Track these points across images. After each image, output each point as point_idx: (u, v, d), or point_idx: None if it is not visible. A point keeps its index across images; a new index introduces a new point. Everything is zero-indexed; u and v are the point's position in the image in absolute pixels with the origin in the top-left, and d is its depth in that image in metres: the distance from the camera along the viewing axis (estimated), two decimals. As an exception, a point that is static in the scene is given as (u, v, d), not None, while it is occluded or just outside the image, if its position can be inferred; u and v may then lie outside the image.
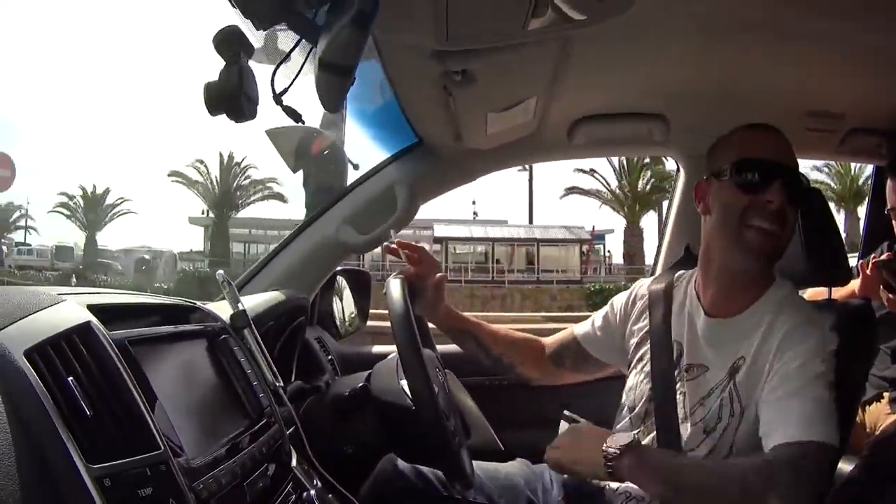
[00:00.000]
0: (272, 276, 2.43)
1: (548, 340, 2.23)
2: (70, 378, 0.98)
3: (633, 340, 2.02)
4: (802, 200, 1.75)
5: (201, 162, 43.01)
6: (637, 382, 1.91)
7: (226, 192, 42.24)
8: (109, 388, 1.05)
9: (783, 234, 1.72)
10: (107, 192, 46.46)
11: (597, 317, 2.17)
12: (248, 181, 43.57)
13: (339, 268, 2.75)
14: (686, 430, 1.75)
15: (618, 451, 1.58)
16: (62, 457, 0.91)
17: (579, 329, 2.19)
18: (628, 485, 1.74)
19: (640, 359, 1.95)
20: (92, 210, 44.96)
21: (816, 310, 1.74)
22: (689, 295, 1.91)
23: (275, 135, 2.65)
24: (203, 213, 44.40)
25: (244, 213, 43.98)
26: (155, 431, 1.06)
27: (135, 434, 1.04)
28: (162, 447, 1.05)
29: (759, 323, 1.73)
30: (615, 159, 36.86)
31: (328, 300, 2.84)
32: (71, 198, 45.73)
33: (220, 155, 43.11)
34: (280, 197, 43.16)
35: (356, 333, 3.07)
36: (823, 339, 1.66)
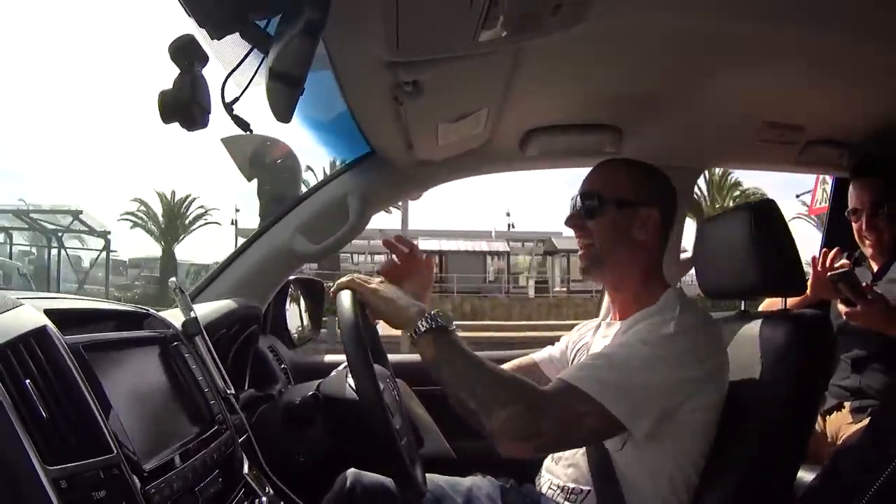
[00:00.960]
0: (226, 285, 2.42)
1: (508, 366, 2.30)
2: (27, 381, 0.99)
3: (574, 357, 2.17)
4: (590, 209, 1.94)
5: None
6: None
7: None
8: (64, 391, 1.06)
9: (595, 247, 1.95)
10: (189, 199, 43.45)
11: (557, 344, 2.32)
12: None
13: (292, 277, 2.74)
14: None
15: (424, 327, 1.66)
16: (21, 458, 0.92)
17: (538, 356, 2.32)
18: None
19: None
20: (171, 219, 41.75)
21: (678, 314, 1.78)
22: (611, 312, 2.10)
23: (230, 143, 2.65)
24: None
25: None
26: (108, 435, 1.08)
27: (89, 437, 1.05)
28: (115, 450, 1.07)
29: (631, 324, 1.85)
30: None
31: (281, 309, 2.83)
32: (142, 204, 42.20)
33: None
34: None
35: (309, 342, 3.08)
36: (669, 333, 1.73)
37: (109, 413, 1.13)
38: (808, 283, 2.80)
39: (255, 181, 2.87)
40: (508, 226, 46.60)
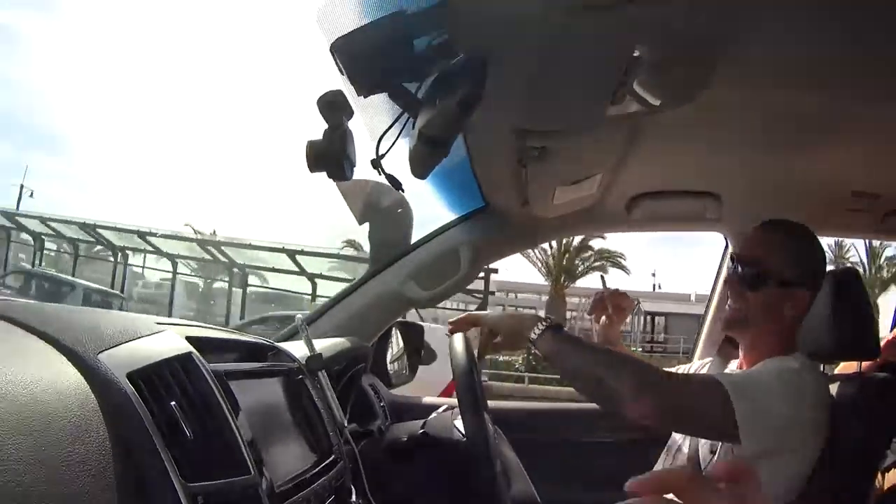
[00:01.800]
0: (335, 321, 2.53)
1: None
2: (173, 402, 1.06)
3: None
4: (749, 278, 1.98)
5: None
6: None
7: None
8: (208, 414, 1.14)
9: (742, 307, 1.99)
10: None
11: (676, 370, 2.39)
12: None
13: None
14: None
15: (542, 326, 1.83)
16: (160, 474, 0.98)
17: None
18: None
19: None
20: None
21: (814, 371, 1.86)
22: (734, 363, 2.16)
23: (346, 189, 2.75)
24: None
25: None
26: (247, 457, 1.15)
27: (230, 458, 1.13)
28: (253, 472, 1.14)
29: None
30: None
31: (383, 349, 2.91)
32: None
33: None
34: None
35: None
36: (796, 368, 1.81)
37: (248, 436, 1.21)
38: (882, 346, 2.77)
39: (366, 224, 2.96)
40: (654, 287, 45.84)
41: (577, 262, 33.49)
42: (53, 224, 23.29)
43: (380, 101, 1.46)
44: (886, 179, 2.51)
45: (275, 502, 1.21)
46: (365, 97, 1.38)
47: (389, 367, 2.95)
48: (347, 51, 1.29)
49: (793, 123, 2.03)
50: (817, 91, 1.80)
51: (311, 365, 1.71)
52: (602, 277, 2.77)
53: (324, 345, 2.06)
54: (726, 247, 3.09)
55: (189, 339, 1.26)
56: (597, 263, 33.35)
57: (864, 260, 33.38)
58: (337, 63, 1.31)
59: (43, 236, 24.13)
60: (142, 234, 21.59)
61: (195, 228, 26.71)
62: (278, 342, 1.75)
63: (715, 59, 1.50)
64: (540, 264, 32.86)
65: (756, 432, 1.68)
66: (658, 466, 2.06)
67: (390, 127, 1.43)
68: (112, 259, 24.22)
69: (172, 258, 22.26)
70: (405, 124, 1.43)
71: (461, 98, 1.26)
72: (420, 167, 1.43)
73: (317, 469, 1.47)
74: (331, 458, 1.57)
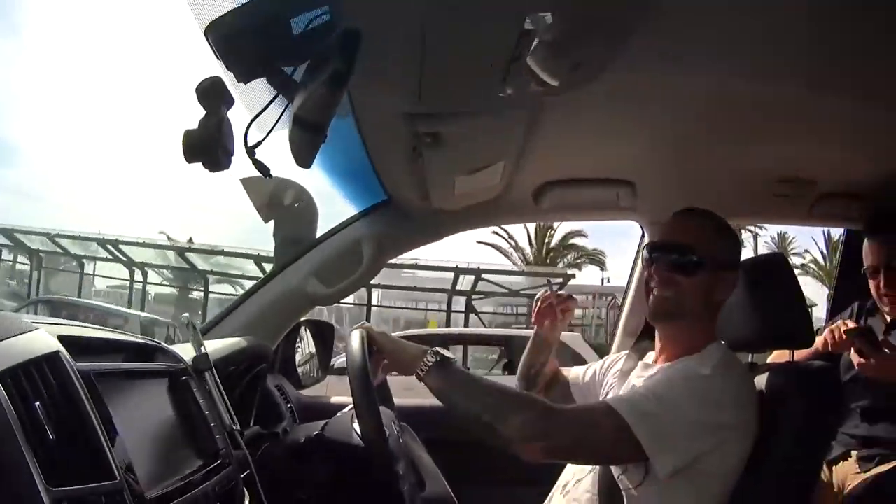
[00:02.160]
0: (237, 323, 2.46)
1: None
2: (37, 403, 1.01)
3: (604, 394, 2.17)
4: (683, 264, 1.89)
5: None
6: None
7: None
8: (73, 416, 1.08)
9: (673, 296, 1.90)
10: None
11: (588, 368, 2.40)
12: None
13: (303, 318, 2.77)
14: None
15: (431, 362, 1.73)
16: (25, 477, 0.93)
17: (572, 372, 2.45)
18: None
19: None
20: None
21: (713, 360, 1.80)
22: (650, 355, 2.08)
23: (249, 183, 2.69)
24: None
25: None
26: (112, 462, 1.09)
27: (94, 462, 1.07)
28: (118, 477, 1.09)
29: (671, 367, 1.87)
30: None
31: (290, 349, 2.86)
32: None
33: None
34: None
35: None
36: (706, 374, 1.75)
37: (116, 440, 1.15)
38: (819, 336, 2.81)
39: (271, 222, 2.91)
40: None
41: (557, 260, 33.87)
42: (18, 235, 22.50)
43: (265, 87, 1.40)
44: (814, 165, 2.53)
45: (146, 509, 1.16)
46: (245, 83, 1.32)
47: (299, 367, 2.90)
48: (222, 34, 1.24)
49: (710, 109, 2.02)
50: (737, 76, 1.79)
51: (197, 365, 1.65)
52: (549, 281, 2.76)
53: (217, 345, 2.01)
54: (642, 236, 3.08)
55: (63, 338, 1.21)
56: (577, 261, 33.71)
57: (824, 250, 34.33)
58: (212, 48, 1.25)
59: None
60: (101, 243, 21.01)
61: (169, 236, 26.14)
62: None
63: (620, 38, 1.47)
64: (520, 263, 33.23)
65: (666, 451, 1.66)
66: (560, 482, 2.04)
67: (260, 113, 1.37)
68: (79, 270, 23.61)
69: (134, 266, 21.74)
70: (284, 110, 1.37)
71: (330, 75, 1.22)
72: (301, 155, 1.38)
73: (199, 474, 1.41)
74: (217, 463, 1.51)
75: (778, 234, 36.96)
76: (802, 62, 1.70)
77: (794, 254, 37.60)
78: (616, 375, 2.17)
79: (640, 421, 1.64)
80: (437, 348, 1.79)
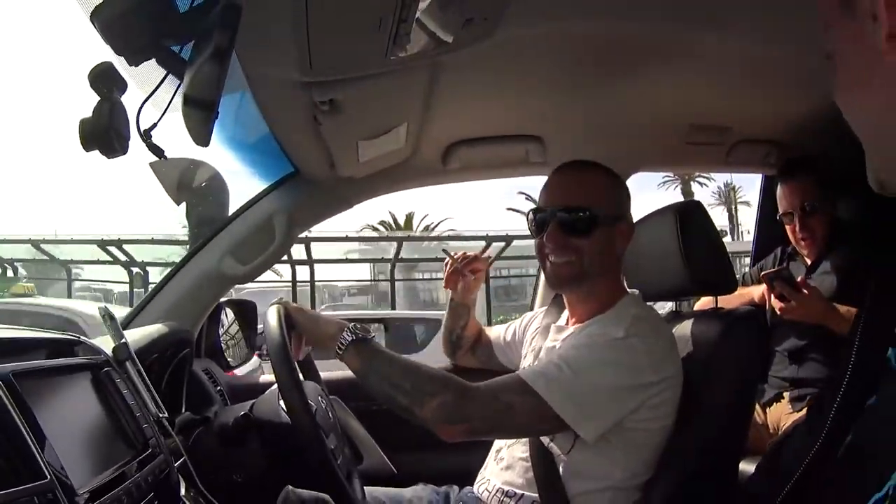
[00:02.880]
0: (158, 310, 2.42)
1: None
2: None
3: (524, 355, 2.20)
4: (580, 225, 1.85)
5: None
6: None
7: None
8: (-5, 420, 1.05)
9: (570, 256, 1.87)
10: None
11: (509, 327, 2.45)
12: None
13: (224, 298, 2.74)
14: None
15: (348, 340, 1.75)
16: None
17: (493, 331, 2.57)
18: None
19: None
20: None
21: (630, 320, 1.79)
22: (564, 314, 2.08)
23: (158, 167, 2.64)
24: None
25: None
26: (41, 462, 1.08)
27: (22, 465, 1.06)
28: (48, 476, 1.07)
29: (584, 328, 1.88)
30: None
31: (214, 331, 2.83)
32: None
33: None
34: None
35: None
36: (619, 337, 1.74)
37: (43, 440, 1.13)
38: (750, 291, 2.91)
39: (183, 205, 2.86)
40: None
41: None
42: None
43: (157, 69, 1.37)
44: (728, 112, 2.58)
45: (82, 505, 1.15)
46: (136, 66, 1.29)
47: (224, 348, 2.87)
48: (108, 17, 1.21)
49: (609, 56, 2.02)
50: (636, 19, 1.79)
51: (117, 356, 1.62)
52: (444, 250, 2.77)
53: (137, 335, 1.98)
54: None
55: (-26, 341, 1.17)
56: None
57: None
58: (99, 31, 1.22)
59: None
60: (35, 243, 20.17)
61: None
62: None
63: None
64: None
65: (588, 419, 1.67)
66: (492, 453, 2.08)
67: (150, 94, 1.34)
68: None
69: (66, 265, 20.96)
70: (177, 90, 1.35)
71: (214, 48, 1.19)
72: (197, 133, 1.35)
73: (130, 465, 1.40)
74: (147, 452, 1.49)
75: (725, 183, 38.07)
76: (700, 2, 1.72)
77: (742, 202, 38.74)
78: (535, 332, 2.18)
79: (557, 394, 1.65)
80: (356, 324, 1.79)
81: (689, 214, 1.96)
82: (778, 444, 2.48)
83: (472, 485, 2.07)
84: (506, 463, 1.96)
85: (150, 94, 1.34)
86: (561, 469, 1.81)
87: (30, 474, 1.06)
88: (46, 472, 1.08)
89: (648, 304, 2.00)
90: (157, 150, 1.36)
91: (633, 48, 1.97)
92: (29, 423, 1.12)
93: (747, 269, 3.45)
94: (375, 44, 1.53)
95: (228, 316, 2.92)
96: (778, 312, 2.69)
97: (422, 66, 1.84)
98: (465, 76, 2.03)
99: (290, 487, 1.89)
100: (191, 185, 2.76)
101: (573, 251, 1.86)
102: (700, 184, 38.69)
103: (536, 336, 2.16)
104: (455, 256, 2.51)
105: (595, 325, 1.84)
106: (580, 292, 1.94)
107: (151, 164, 2.65)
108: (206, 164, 2.77)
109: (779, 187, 2.95)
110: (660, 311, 2.19)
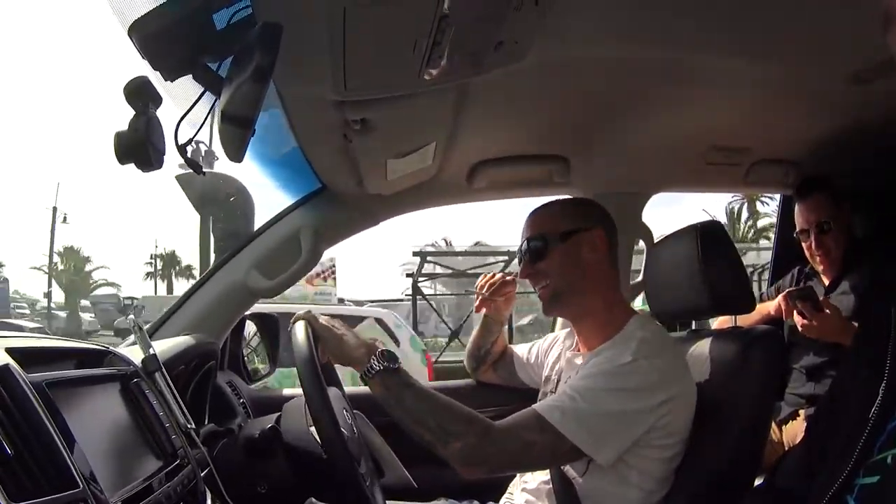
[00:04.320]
0: (182, 321, 2.43)
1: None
2: None
3: (546, 382, 2.19)
4: (537, 252, 1.98)
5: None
6: None
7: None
8: (29, 428, 1.07)
9: (542, 282, 1.99)
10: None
11: (532, 346, 2.47)
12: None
13: (248, 312, 2.75)
14: None
15: (376, 369, 1.72)
16: None
17: (517, 350, 2.57)
18: None
19: (544, 394, 2.11)
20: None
21: (638, 342, 1.80)
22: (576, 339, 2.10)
23: (184, 180, 2.66)
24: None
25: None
26: (74, 471, 1.09)
27: (55, 473, 1.06)
28: (81, 486, 1.08)
29: (596, 356, 1.87)
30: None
31: (238, 344, 2.84)
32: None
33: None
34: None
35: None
36: (626, 361, 1.76)
37: (74, 449, 1.14)
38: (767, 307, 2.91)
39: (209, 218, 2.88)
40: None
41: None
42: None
43: (192, 85, 1.39)
44: (748, 133, 2.58)
45: (110, 515, 1.15)
46: (171, 81, 1.32)
47: (246, 361, 2.89)
48: (145, 33, 1.23)
49: (636, 80, 2.04)
50: (660, 45, 1.81)
51: (147, 367, 1.64)
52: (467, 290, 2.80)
53: (164, 346, 1.99)
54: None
55: (11, 350, 1.20)
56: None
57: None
58: (136, 47, 1.24)
59: None
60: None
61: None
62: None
63: (541, 14, 1.47)
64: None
65: (604, 445, 1.70)
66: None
67: (189, 110, 1.37)
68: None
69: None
70: (213, 106, 1.36)
71: (255, 68, 1.21)
72: (232, 149, 1.37)
73: (159, 476, 1.40)
74: (176, 463, 1.50)
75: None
76: (721, 28, 1.73)
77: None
78: (558, 354, 2.20)
79: (572, 424, 1.68)
80: (385, 349, 1.77)
81: (710, 234, 1.97)
82: (780, 460, 2.48)
83: (492, 499, 2.10)
84: (529, 485, 2.00)
85: (189, 109, 1.35)
86: (578, 491, 1.84)
87: (63, 483, 1.06)
88: (79, 481, 1.08)
89: (657, 324, 2.01)
90: (195, 166, 1.38)
91: (658, 72, 1.98)
92: (61, 431, 1.12)
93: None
94: (409, 65, 1.54)
95: (251, 329, 2.93)
96: (799, 330, 2.68)
97: (452, 87, 1.85)
98: (493, 97, 2.04)
99: (313, 499, 1.90)
100: (216, 199, 2.79)
101: (541, 276, 1.99)
102: (762, 202, 38.99)
103: (558, 359, 2.18)
104: (482, 288, 2.52)
105: (604, 353, 1.84)
106: (571, 312, 2.03)
107: (178, 177, 2.68)
108: (231, 178, 2.80)
109: (796, 206, 2.96)
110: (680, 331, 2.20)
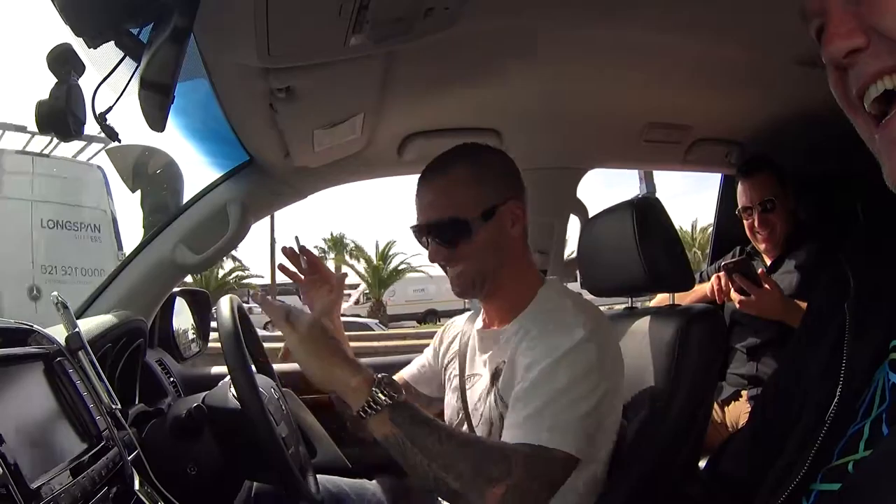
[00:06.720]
0: (111, 299, 2.37)
1: None
2: None
3: (448, 366, 2.05)
4: (456, 235, 1.75)
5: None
6: (450, 399, 1.95)
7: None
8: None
9: (461, 266, 1.78)
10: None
11: (426, 352, 2.21)
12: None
13: (178, 288, 2.70)
14: (479, 433, 1.76)
15: (383, 403, 1.43)
16: None
17: (408, 373, 2.19)
18: None
19: (450, 378, 1.99)
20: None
21: (574, 316, 1.68)
22: (480, 315, 1.97)
23: (114, 153, 2.59)
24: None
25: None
26: (-7, 454, 1.05)
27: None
28: (2, 470, 1.05)
29: (518, 330, 1.75)
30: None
31: (168, 321, 2.79)
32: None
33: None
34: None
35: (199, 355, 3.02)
36: (571, 347, 1.60)
37: (-5, 431, 1.09)
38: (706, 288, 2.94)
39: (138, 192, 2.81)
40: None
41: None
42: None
43: (115, 51, 1.34)
44: (689, 111, 2.60)
45: (34, 498, 1.13)
46: (94, 48, 1.27)
47: (177, 339, 2.83)
48: (68, -2, 1.18)
49: (568, 52, 2.03)
50: (594, 18, 1.80)
51: (70, 344, 1.58)
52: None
53: (90, 324, 1.95)
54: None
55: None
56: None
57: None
58: (59, 13, 1.19)
59: None
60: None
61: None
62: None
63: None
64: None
65: (594, 446, 1.62)
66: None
67: (107, 76, 1.32)
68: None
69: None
70: (133, 74, 1.32)
71: (172, 29, 1.17)
72: (153, 118, 1.33)
73: (84, 458, 1.37)
74: (101, 445, 1.46)
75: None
76: (655, 3, 1.73)
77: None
78: (458, 340, 2.03)
79: (573, 441, 1.51)
80: (384, 376, 1.47)
81: (646, 210, 1.94)
82: (725, 441, 2.51)
83: None
84: None
85: (106, 76, 1.31)
86: None
87: (-19, 467, 1.02)
88: (-1, 466, 1.04)
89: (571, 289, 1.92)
90: (111, 134, 1.33)
91: (590, 44, 1.98)
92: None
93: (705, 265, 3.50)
94: (335, 31, 1.52)
95: (182, 306, 2.87)
96: (737, 306, 2.71)
97: (379, 56, 1.82)
98: (421, 67, 2.02)
99: (248, 483, 1.87)
100: (146, 173, 2.71)
101: (461, 260, 1.79)
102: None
103: (462, 341, 2.02)
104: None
105: (535, 331, 1.70)
106: (487, 291, 1.83)
107: (108, 151, 2.61)
108: (160, 151, 2.73)
109: (739, 184, 2.99)
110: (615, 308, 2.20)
